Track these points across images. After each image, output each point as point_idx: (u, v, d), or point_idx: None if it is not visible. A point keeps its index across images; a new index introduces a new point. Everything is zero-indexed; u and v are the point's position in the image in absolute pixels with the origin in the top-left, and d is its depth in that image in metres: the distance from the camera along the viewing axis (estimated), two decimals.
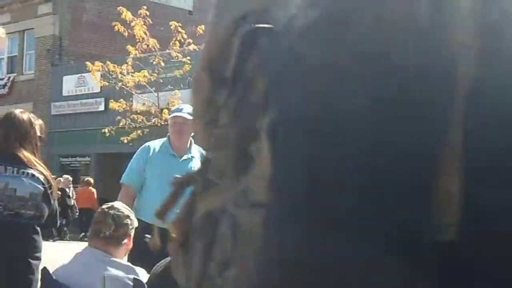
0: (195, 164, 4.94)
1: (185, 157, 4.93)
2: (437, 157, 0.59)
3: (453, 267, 0.60)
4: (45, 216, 3.84)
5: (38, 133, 3.90)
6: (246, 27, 0.67)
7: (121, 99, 19.01)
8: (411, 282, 0.60)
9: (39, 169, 3.82)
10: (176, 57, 18.38)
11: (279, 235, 0.63)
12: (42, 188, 3.80)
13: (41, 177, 3.81)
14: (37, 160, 3.85)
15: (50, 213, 3.87)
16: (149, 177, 4.83)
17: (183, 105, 5.24)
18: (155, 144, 4.99)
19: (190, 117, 4.92)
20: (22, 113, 3.93)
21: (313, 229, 0.62)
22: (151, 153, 4.89)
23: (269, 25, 0.65)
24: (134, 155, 5.00)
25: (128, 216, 3.44)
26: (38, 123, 3.94)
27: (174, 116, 4.97)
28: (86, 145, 23.84)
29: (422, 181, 0.60)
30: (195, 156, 4.98)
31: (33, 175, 3.78)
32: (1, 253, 3.67)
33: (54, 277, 3.30)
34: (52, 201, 3.88)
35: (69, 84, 24.80)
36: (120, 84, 18.91)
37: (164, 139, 5.04)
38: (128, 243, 3.43)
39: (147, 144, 5.05)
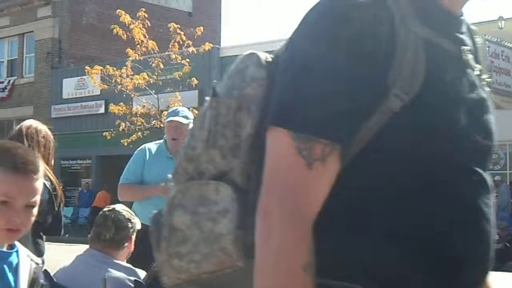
0: None
1: None
2: None
3: None
4: (48, 222, 3.86)
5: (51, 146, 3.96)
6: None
7: (121, 103, 18.97)
8: None
9: (48, 175, 3.86)
10: (175, 59, 18.33)
11: None
12: (47, 195, 3.83)
13: (48, 183, 3.85)
14: (48, 169, 3.89)
15: (54, 218, 3.89)
16: (147, 180, 4.77)
17: (179, 108, 5.15)
18: (152, 147, 4.92)
19: (187, 121, 4.80)
20: (39, 124, 3.98)
21: None
22: (148, 156, 4.84)
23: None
24: (132, 157, 4.94)
25: (129, 220, 3.44)
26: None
27: (170, 120, 4.84)
28: (87, 148, 23.84)
29: None
30: None
31: None
32: None
33: (54, 280, 3.31)
34: (55, 207, 3.90)
35: (69, 86, 24.81)
36: (119, 87, 18.86)
37: (161, 141, 4.96)
38: (129, 246, 3.44)
39: (143, 146, 4.99)
